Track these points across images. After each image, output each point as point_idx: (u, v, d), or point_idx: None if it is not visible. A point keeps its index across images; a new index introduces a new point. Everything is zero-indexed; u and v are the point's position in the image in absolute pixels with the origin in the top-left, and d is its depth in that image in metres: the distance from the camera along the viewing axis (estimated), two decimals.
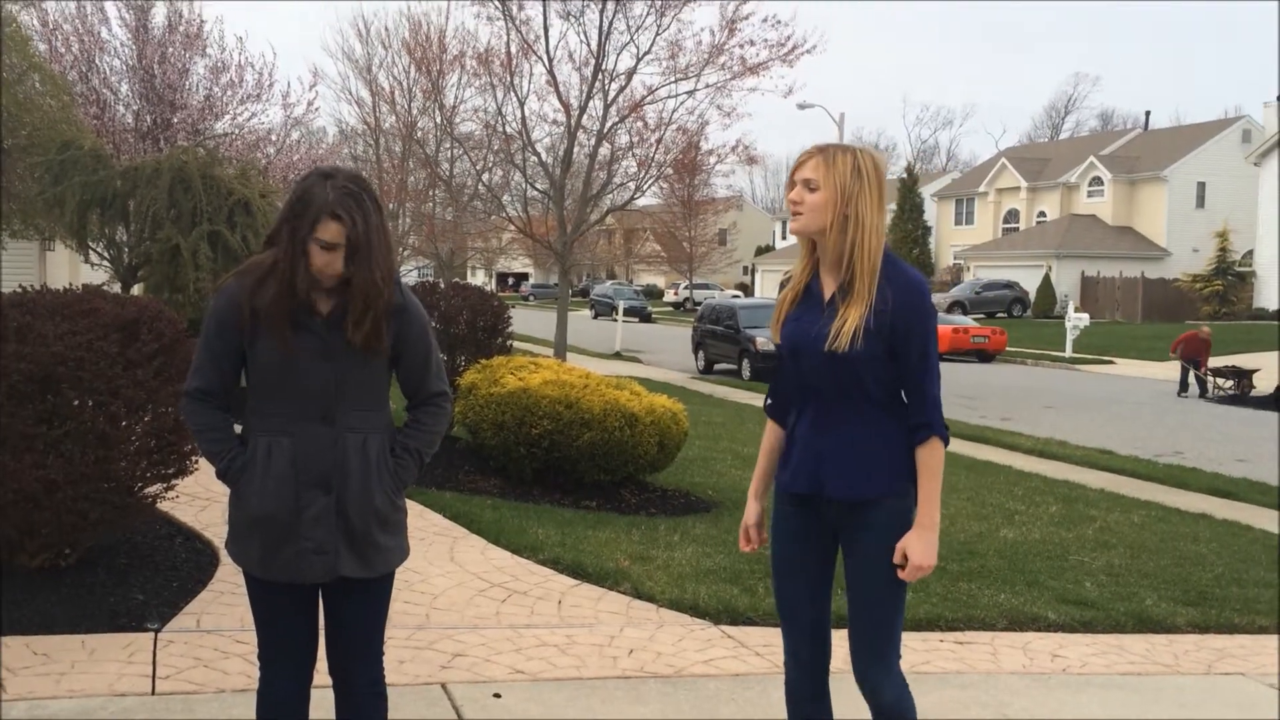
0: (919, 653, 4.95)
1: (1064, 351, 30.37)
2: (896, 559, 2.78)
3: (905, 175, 56.74)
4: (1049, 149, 61.29)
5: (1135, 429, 15.97)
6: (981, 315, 41.49)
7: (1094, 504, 9.16)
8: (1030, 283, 46.11)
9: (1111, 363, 29.54)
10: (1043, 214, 53.55)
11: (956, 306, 41.59)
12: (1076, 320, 30.18)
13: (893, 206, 56.61)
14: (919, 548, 2.76)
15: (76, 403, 4.64)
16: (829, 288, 2.85)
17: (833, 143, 2.89)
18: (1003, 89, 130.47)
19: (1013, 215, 55.49)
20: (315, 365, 2.65)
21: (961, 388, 21.68)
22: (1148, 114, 62.35)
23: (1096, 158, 51.12)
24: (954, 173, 70.67)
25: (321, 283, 2.65)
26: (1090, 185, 51.32)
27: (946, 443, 2.84)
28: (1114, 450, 12.91)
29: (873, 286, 2.76)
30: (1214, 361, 22.88)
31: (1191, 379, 21.88)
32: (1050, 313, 43.93)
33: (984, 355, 29.83)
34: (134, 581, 5.00)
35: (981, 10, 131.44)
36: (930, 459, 2.81)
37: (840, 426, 2.83)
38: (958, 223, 58.52)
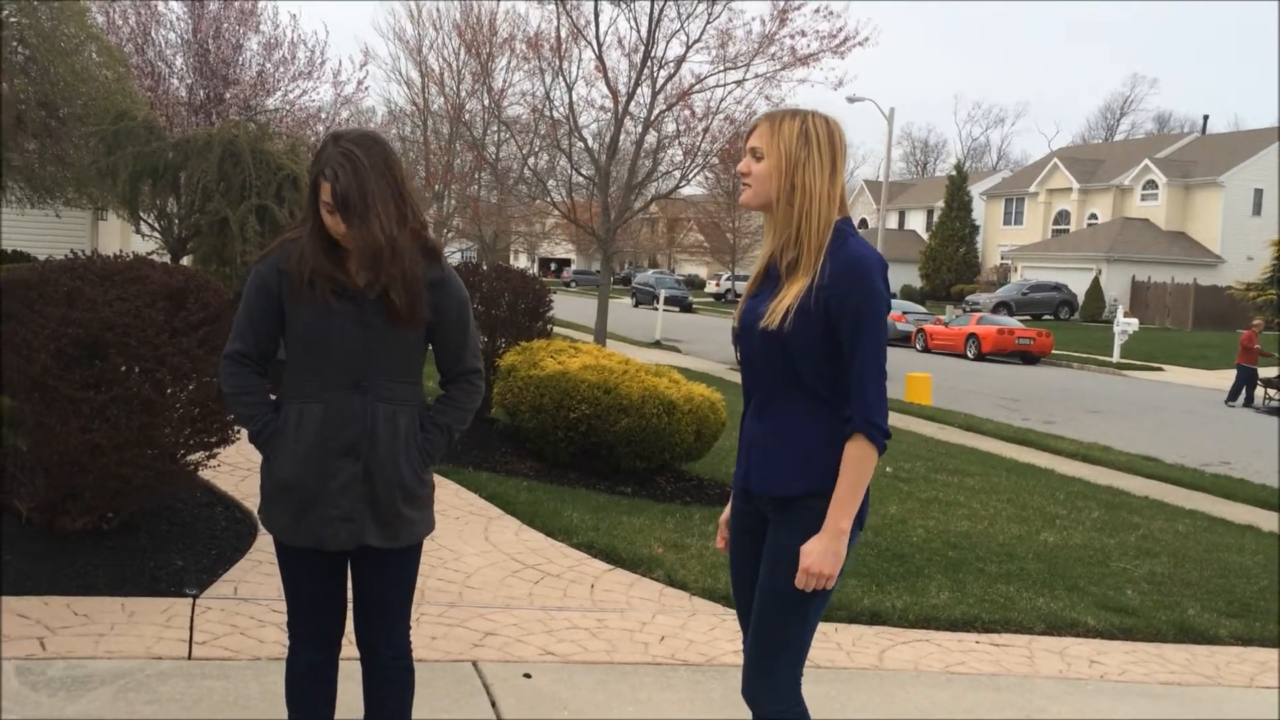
0: (954, 653, 4.90)
1: (1111, 356, 29.93)
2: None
3: (954, 173, 56.21)
4: (1103, 150, 60.33)
5: (1182, 437, 15.70)
6: (1028, 317, 41.04)
7: (1137, 511, 9.01)
8: (1079, 285, 45.47)
9: (1160, 369, 29.07)
10: (1094, 216, 52.76)
11: (1002, 307, 41.12)
12: (1125, 325, 29.72)
13: (940, 204, 56.19)
14: (815, 552, 2.49)
15: (123, 369, 4.69)
16: (783, 266, 2.62)
17: (786, 108, 2.66)
18: (1057, 89, 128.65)
19: (1063, 216, 54.73)
20: (350, 332, 2.64)
21: (1005, 389, 21.45)
22: (1205, 118, 61.44)
23: (1152, 161, 50.27)
24: (1004, 171, 69.81)
25: (344, 245, 2.64)
26: (1144, 189, 50.47)
27: (878, 444, 2.51)
28: (1160, 458, 12.70)
29: (818, 262, 2.52)
30: (1265, 372, 22.44)
31: (1244, 388, 21.46)
32: (1098, 317, 43.33)
33: (1029, 357, 29.48)
34: (174, 547, 5.06)
35: (1038, 9, 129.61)
36: (851, 454, 2.50)
37: (776, 417, 2.61)
38: (1006, 222, 57.80)
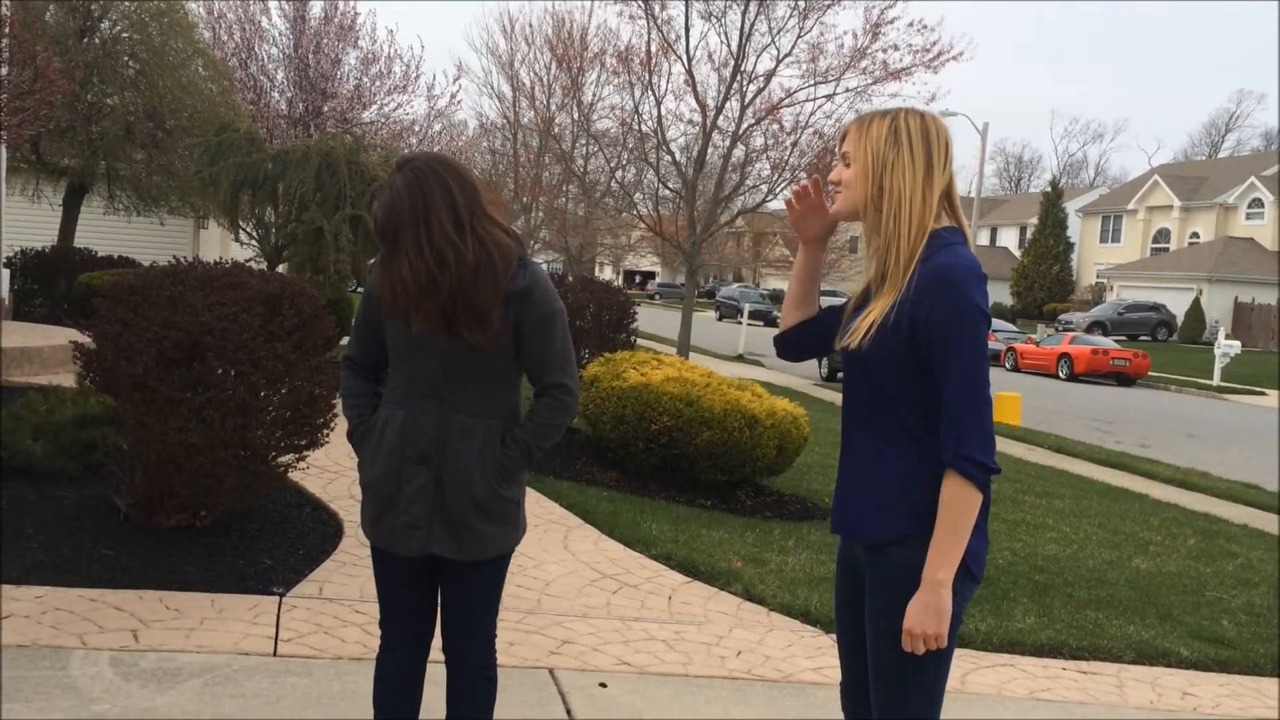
0: (1039, 679, 4.77)
1: (1211, 379, 28.94)
2: None
3: (1049, 189, 55.04)
4: (1206, 167, 58.45)
5: None
6: (1124, 337, 39.92)
7: (1236, 540, 8.69)
8: (1178, 306, 44.08)
9: (1263, 394, 28.02)
10: (1196, 235, 51.13)
11: (1097, 327, 40.07)
12: (1227, 347, 28.72)
13: (1034, 220, 55.01)
14: (913, 611, 2.22)
15: (220, 371, 4.84)
16: (875, 280, 2.37)
17: (879, 108, 2.41)
18: (1159, 104, 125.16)
19: (1163, 235, 53.17)
20: (425, 344, 2.67)
21: (1098, 411, 20.88)
22: None
23: (1258, 178, 48.53)
24: (1102, 188, 68.16)
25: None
26: (1250, 207, 48.77)
27: (976, 482, 2.20)
28: (1261, 485, 12.22)
29: (907, 273, 2.24)
30: None
31: None
32: (1198, 338, 41.96)
33: (1124, 379, 28.67)
34: (263, 546, 5.19)
35: (1139, 23, 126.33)
36: (945, 495, 2.21)
37: (863, 450, 2.35)
38: (1103, 240, 56.35)
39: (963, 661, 4.88)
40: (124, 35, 14.10)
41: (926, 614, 2.21)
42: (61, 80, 8.91)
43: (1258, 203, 48.31)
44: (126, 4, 13.96)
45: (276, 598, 4.60)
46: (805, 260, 2.60)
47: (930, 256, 2.26)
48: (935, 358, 2.21)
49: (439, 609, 2.87)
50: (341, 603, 4.61)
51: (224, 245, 20.76)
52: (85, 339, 5.12)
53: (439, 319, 2.62)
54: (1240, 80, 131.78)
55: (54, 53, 9.86)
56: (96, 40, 13.81)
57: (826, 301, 2.72)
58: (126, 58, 13.91)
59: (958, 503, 2.20)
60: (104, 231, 17.76)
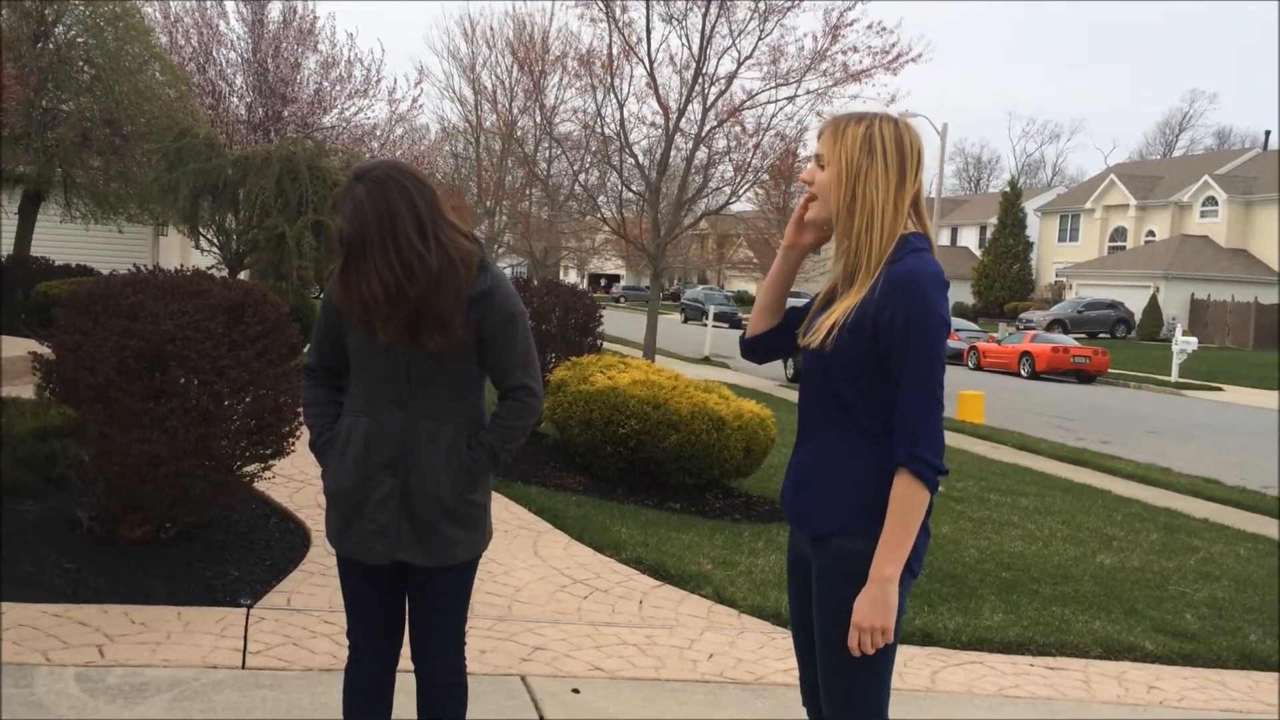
0: (1008, 676, 4.82)
1: (1169, 376, 29.37)
2: None
3: (1008, 189, 55.66)
4: (1161, 166, 59.36)
5: (1244, 459, 15.34)
6: (1083, 335, 40.42)
7: (1197, 534, 8.82)
8: (1136, 303, 44.72)
9: (1220, 390, 28.46)
10: (1152, 233, 51.89)
11: (1057, 325, 40.56)
12: (1184, 344, 29.17)
13: (994, 220, 55.58)
14: (861, 606, 2.27)
15: (183, 381, 4.77)
16: (841, 281, 2.41)
17: (853, 111, 2.44)
18: (1115, 104, 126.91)
19: (1120, 233, 53.90)
20: (385, 352, 2.65)
21: (1059, 408, 21.13)
22: (1267, 134, 60.18)
23: (1211, 177, 49.36)
24: (1059, 188, 68.97)
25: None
26: (1204, 205, 49.57)
27: (926, 482, 2.26)
28: (1220, 480, 12.41)
29: (874, 275, 2.31)
30: None
31: None
32: (1156, 335, 42.59)
33: (1084, 376, 29.04)
34: (229, 558, 5.13)
35: (1095, 24, 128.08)
36: (895, 493, 2.27)
37: (817, 445, 2.41)
38: (1061, 239, 57.03)
39: (932, 660, 4.92)
40: (79, 40, 13.90)
41: (874, 608, 2.27)
42: (15, 86, 8.77)
43: (1212, 201, 49.11)
44: (81, 8, 13.77)
45: (244, 609, 4.55)
46: (783, 267, 2.57)
47: (896, 261, 2.31)
48: (894, 360, 2.27)
49: (407, 617, 2.85)
50: (310, 613, 4.57)
51: (184, 253, 20.50)
52: (44, 349, 5.03)
53: (405, 328, 2.61)
54: (1193, 80, 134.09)
55: (7, 58, 9.71)
56: (51, 45, 13.60)
57: (790, 302, 2.71)
58: (82, 63, 13.72)
59: (908, 501, 2.27)
60: (61, 240, 17.50)
